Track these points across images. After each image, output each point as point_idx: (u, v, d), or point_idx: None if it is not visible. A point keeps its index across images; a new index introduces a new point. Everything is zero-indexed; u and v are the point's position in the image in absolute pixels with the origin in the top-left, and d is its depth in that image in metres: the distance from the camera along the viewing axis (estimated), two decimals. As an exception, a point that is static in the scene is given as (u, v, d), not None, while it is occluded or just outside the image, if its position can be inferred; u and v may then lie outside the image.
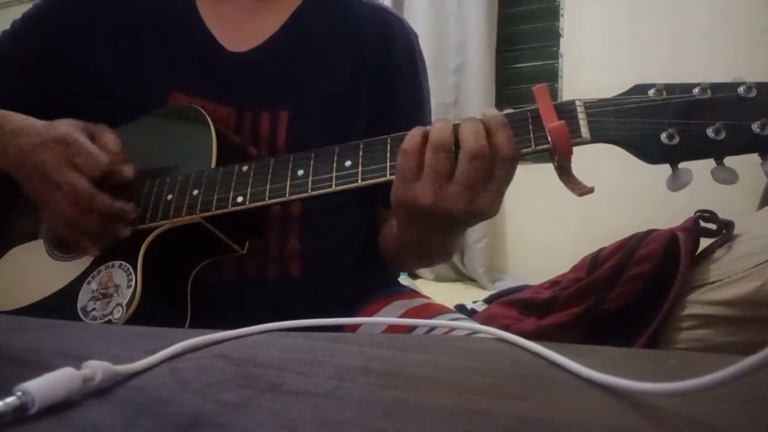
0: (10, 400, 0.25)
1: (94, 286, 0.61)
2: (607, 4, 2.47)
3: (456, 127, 0.52)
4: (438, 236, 0.60)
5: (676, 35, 2.30)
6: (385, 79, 0.76)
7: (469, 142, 0.50)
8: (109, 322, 0.58)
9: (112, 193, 0.62)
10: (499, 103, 2.76)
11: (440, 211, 0.52)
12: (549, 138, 0.51)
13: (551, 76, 2.62)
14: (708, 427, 0.26)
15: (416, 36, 0.81)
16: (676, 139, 0.48)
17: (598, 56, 2.48)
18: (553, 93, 0.54)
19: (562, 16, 2.60)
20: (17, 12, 0.81)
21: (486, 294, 1.71)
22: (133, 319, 0.58)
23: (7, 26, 0.78)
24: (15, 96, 0.74)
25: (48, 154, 0.60)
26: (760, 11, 2.15)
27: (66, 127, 0.62)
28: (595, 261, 1.30)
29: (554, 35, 2.64)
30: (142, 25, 0.74)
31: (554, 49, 2.64)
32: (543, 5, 2.70)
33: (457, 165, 0.51)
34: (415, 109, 0.79)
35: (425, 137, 0.52)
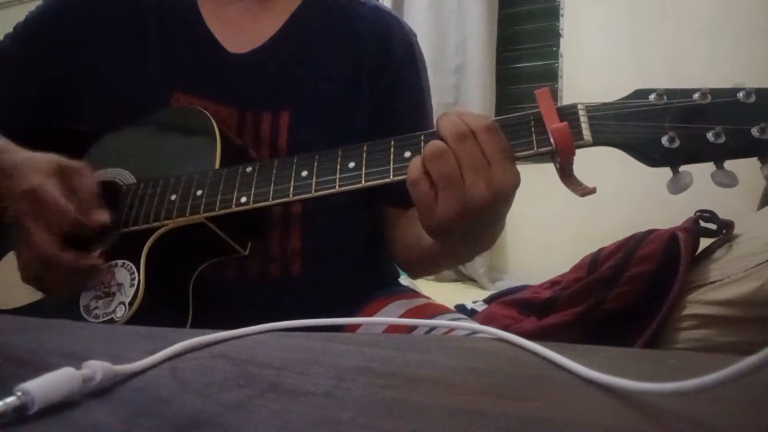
0: (10, 400, 0.25)
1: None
2: (607, 4, 2.47)
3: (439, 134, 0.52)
4: (483, 232, 0.58)
5: (676, 35, 2.30)
6: (385, 79, 0.76)
7: (450, 130, 0.51)
8: (112, 320, 0.58)
9: (85, 240, 0.60)
10: (499, 103, 2.76)
11: (470, 210, 0.51)
12: (551, 139, 0.51)
13: (551, 76, 2.62)
14: (708, 427, 0.26)
15: (415, 36, 0.82)
16: (677, 143, 0.49)
17: (598, 56, 2.48)
18: (553, 93, 0.54)
19: (562, 16, 2.60)
20: (17, 12, 0.81)
21: (486, 294, 1.71)
22: (135, 318, 0.58)
23: (8, 26, 0.78)
24: (18, 97, 0.75)
25: (18, 207, 0.58)
26: (760, 11, 2.15)
27: (37, 176, 0.59)
28: (595, 261, 1.30)
29: (554, 35, 2.64)
30: (144, 26, 0.74)
31: (554, 49, 2.64)
32: (543, 5, 2.70)
33: (457, 156, 0.50)
34: (417, 109, 0.79)
35: (423, 162, 0.52)
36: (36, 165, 0.60)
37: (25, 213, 0.58)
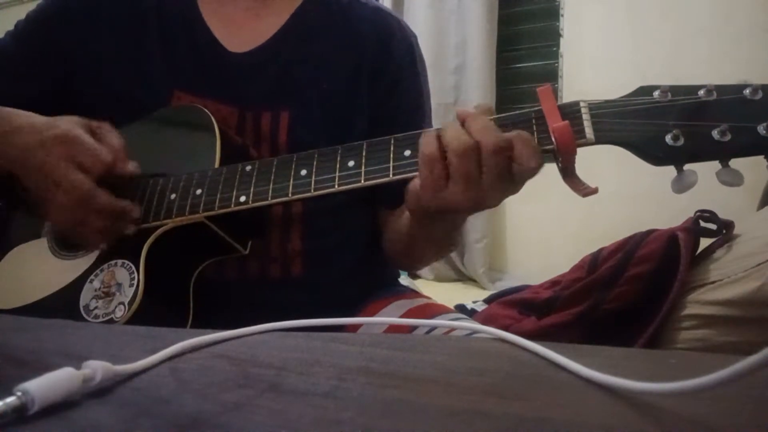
0: (10, 400, 0.25)
1: (96, 284, 0.61)
2: (607, 4, 2.47)
3: (464, 126, 0.51)
4: (459, 223, 0.61)
5: (676, 35, 2.30)
6: (385, 80, 0.76)
7: (488, 140, 0.50)
8: (111, 320, 0.58)
9: (115, 191, 0.62)
10: (499, 103, 2.76)
11: (478, 209, 0.52)
12: (553, 138, 0.51)
13: (551, 76, 2.62)
14: (708, 427, 0.26)
15: (415, 37, 0.82)
16: (681, 141, 0.48)
17: (598, 56, 2.48)
18: (554, 93, 0.54)
19: (562, 16, 2.60)
20: (18, 12, 0.81)
21: (486, 294, 1.71)
22: (134, 318, 0.58)
23: (8, 26, 0.78)
24: (19, 96, 0.75)
25: (49, 153, 0.59)
26: (760, 11, 2.15)
27: (67, 124, 0.61)
28: (595, 261, 1.30)
29: (554, 35, 2.64)
30: (144, 25, 0.74)
31: (554, 49, 2.64)
32: (543, 5, 2.70)
33: (483, 167, 0.50)
34: (416, 110, 0.79)
35: (439, 140, 0.51)
36: (62, 118, 0.62)
37: (59, 158, 0.59)
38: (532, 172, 0.51)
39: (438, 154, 0.51)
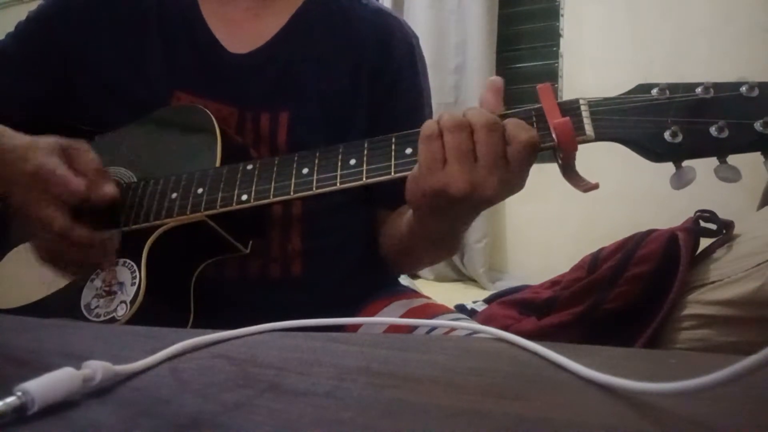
0: (10, 400, 0.25)
1: (98, 283, 0.61)
2: (607, 4, 2.47)
3: (465, 113, 0.53)
4: (458, 222, 0.60)
5: (676, 35, 2.30)
6: (385, 80, 0.76)
7: (480, 119, 0.51)
8: (113, 319, 0.58)
9: (97, 214, 0.61)
10: (499, 103, 2.75)
11: (475, 196, 0.51)
12: (553, 135, 0.51)
13: (551, 76, 2.62)
14: (708, 427, 0.26)
15: (416, 38, 0.82)
16: (680, 137, 0.49)
17: (598, 56, 2.48)
18: (554, 92, 0.54)
19: (562, 16, 2.60)
20: (17, 12, 0.81)
21: (486, 294, 1.71)
22: (136, 317, 0.58)
23: (8, 26, 0.78)
24: (20, 96, 0.75)
25: (24, 188, 0.59)
26: (760, 11, 2.15)
27: (41, 155, 0.59)
28: (595, 261, 1.30)
29: (554, 35, 2.64)
30: (145, 25, 0.74)
31: (554, 49, 2.64)
32: (543, 5, 2.70)
33: (476, 145, 0.51)
34: (415, 111, 0.79)
35: (439, 125, 0.52)
36: (37, 146, 0.60)
37: (33, 192, 0.58)
38: (525, 150, 0.51)
39: (435, 134, 0.52)
